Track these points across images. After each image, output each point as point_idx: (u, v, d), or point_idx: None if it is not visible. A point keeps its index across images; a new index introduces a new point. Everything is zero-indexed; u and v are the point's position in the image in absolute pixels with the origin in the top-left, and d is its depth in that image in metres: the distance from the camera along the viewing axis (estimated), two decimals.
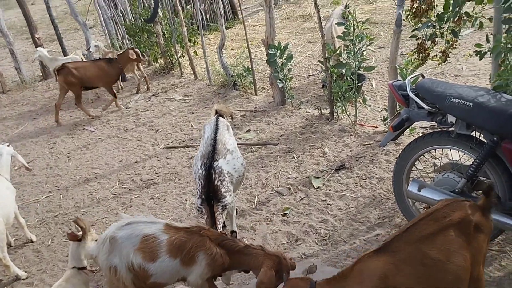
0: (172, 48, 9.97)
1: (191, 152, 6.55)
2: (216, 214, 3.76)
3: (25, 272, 4.62)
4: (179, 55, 9.86)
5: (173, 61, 10.26)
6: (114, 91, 8.78)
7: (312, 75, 8.75)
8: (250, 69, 8.05)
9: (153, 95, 9.21)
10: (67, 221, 5.44)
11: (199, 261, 3.16)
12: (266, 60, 7.14)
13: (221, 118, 4.55)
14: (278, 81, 7.08)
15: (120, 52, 8.71)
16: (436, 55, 4.65)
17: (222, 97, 8.32)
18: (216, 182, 3.89)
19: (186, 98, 8.75)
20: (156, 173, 6.18)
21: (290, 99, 7.35)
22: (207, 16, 13.71)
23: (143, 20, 10.18)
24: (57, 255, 4.85)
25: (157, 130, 7.58)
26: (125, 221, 3.29)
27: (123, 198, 5.71)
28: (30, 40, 16.00)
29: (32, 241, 5.13)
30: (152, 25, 9.99)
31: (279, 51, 6.80)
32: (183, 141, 6.99)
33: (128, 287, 3.17)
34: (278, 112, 7.29)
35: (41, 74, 11.78)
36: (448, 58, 4.64)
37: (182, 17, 9.07)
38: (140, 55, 8.66)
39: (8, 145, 5.05)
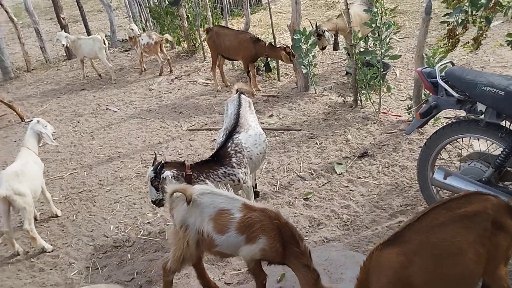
0: (196, 32, 10.00)
1: (214, 135, 6.60)
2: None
3: (51, 245, 4.74)
4: (202, 39, 9.88)
5: (197, 45, 10.29)
6: (251, 70, 7.85)
7: (335, 62, 8.70)
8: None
9: (176, 77, 9.26)
10: (91, 197, 5.54)
11: (257, 243, 3.21)
12: (291, 46, 7.13)
13: (243, 95, 4.61)
14: (302, 67, 7.06)
15: (273, 45, 7.55)
16: (468, 42, 4.59)
17: (244, 82, 8.33)
18: (228, 149, 4.02)
19: (208, 82, 8.78)
20: (179, 154, 6.25)
21: (313, 86, 7.34)
22: (230, 0, 13.69)
23: (167, 3, 10.20)
24: (81, 230, 4.95)
25: (180, 112, 7.63)
26: (209, 189, 3.39)
27: (146, 178, 5.78)
28: (53, 20, 16.22)
29: (57, 216, 5.25)
30: (176, 8, 10.01)
31: (304, 37, 6.78)
32: (206, 124, 7.03)
33: (190, 247, 3.32)
34: (301, 98, 7.28)
35: (65, 54, 11.91)
36: (479, 46, 4.57)
37: (206, 0, 9.06)
38: (291, 57, 7.19)
39: (38, 121, 5.13)
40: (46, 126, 5.19)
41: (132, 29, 9.58)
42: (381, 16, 5.77)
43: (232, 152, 4.05)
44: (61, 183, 6.00)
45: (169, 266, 3.47)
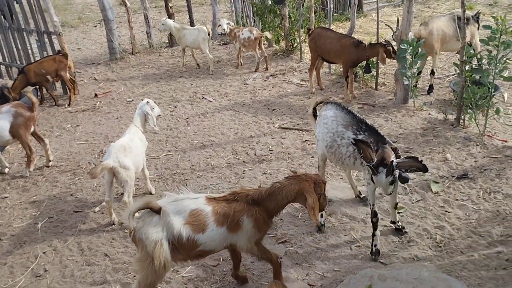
0: (296, 32, 10.04)
1: (305, 136, 6.59)
2: None
3: None
4: (301, 40, 9.90)
5: (295, 45, 10.32)
6: (350, 76, 7.70)
7: (438, 77, 8.37)
8: (375, 62, 7.88)
9: (271, 75, 9.35)
10: (183, 180, 5.75)
11: (244, 226, 3.42)
12: (395, 55, 6.96)
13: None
14: (404, 78, 6.87)
15: (373, 43, 7.49)
16: None
17: (340, 87, 8.26)
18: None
19: (303, 82, 8.79)
20: (269, 150, 6.31)
21: (413, 99, 7.11)
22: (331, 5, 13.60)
23: (272, 1, 10.32)
24: None
25: (273, 109, 7.70)
26: (171, 199, 3.44)
27: (236, 168, 5.90)
28: (157, 8, 17.00)
29: (151, 193, 5.49)
30: (280, 7, 10.11)
31: (411, 47, 6.59)
32: (298, 124, 7.04)
33: (167, 260, 3.29)
34: (399, 110, 7.08)
35: (167, 41, 12.42)
36: None
37: (312, 2, 9.07)
38: (392, 53, 7.11)
39: (148, 102, 5.37)
40: (153, 109, 5.40)
41: (220, 25, 9.85)
42: (501, 34, 5.49)
43: None
44: (156, 162, 6.28)
45: None
